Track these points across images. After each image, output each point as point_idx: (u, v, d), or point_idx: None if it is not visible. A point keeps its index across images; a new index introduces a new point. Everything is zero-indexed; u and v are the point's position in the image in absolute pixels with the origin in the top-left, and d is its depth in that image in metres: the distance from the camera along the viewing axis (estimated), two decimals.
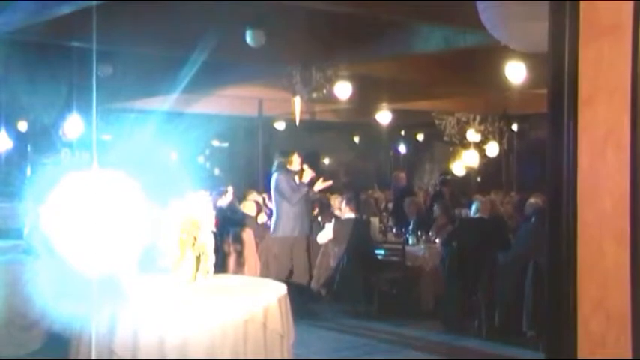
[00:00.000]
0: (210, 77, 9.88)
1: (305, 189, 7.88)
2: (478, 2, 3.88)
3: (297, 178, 7.94)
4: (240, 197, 9.77)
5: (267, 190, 12.32)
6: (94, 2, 5.15)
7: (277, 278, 7.57)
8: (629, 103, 1.73)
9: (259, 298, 3.94)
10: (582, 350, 1.78)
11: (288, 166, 7.94)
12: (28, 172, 12.12)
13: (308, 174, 7.96)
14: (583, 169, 1.80)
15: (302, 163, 8.03)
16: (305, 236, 7.95)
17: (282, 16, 7.11)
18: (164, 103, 10.86)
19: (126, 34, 7.48)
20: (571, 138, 1.81)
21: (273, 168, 8.02)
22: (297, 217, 7.85)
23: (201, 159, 17.73)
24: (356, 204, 8.58)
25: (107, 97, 10.12)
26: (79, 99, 10.39)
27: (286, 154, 8.07)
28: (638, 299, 1.70)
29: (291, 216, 7.84)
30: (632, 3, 1.73)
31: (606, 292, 1.75)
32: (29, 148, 13.07)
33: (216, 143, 18.33)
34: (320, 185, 8.10)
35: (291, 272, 7.84)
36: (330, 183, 8.34)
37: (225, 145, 18.29)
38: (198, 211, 4.28)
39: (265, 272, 8.06)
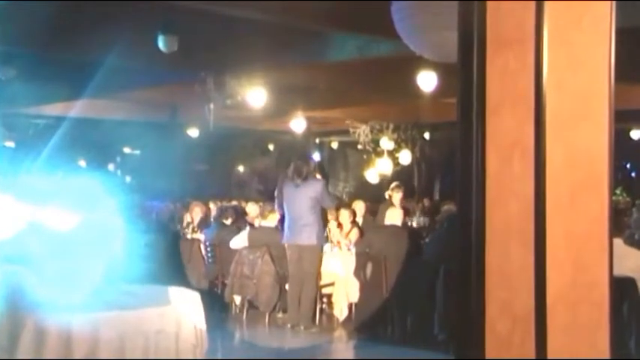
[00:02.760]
0: (122, 82, 9.66)
1: None
2: (394, 13, 3.97)
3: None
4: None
5: (183, 197, 12.17)
6: None
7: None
8: (533, 112, 1.80)
9: (172, 307, 3.87)
10: (490, 351, 1.83)
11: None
12: None
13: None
14: (491, 175, 1.85)
15: None
16: None
17: (195, 21, 7.03)
18: (73, 108, 10.54)
19: (30, 36, 7.21)
20: (480, 145, 1.87)
21: (303, 175, 7.70)
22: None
23: (111, 166, 17.30)
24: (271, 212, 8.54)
25: (10, 101, 9.73)
26: None
27: (305, 159, 7.99)
28: (541, 301, 1.77)
29: (322, 223, 7.81)
30: (533, 18, 1.80)
31: (512, 294, 1.81)
32: None
33: (127, 150, 17.92)
34: None
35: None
36: None
37: (137, 151, 17.90)
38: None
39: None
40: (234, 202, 11.94)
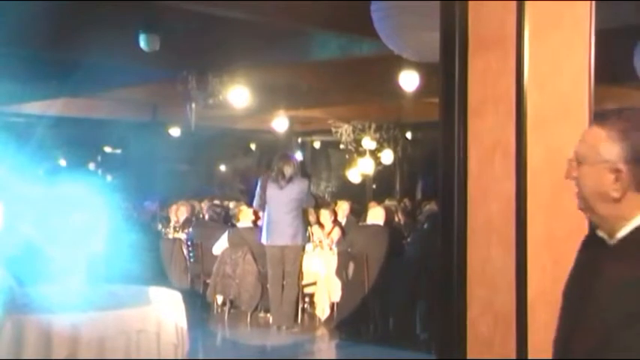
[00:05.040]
0: (103, 81, 9.59)
1: None
2: (373, 13, 3.97)
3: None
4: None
5: (164, 197, 12.10)
6: None
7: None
8: (515, 113, 1.81)
9: (153, 307, 3.85)
10: (471, 351, 1.84)
11: None
12: None
13: None
14: (473, 175, 1.86)
15: None
16: None
17: (177, 20, 7.00)
18: (53, 107, 10.45)
19: (9, 33, 7.12)
20: (461, 145, 1.87)
21: (287, 177, 7.62)
22: None
23: (92, 165, 17.17)
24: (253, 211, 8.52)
25: None
26: None
27: (289, 160, 7.87)
28: (522, 300, 1.78)
29: (305, 222, 7.82)
30: (514, 19, 1.81)
31: (494, 294, 1.82)
32: None
33: (108, 149, 17.80)
34: None
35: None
36: None
37: (118, 151, 17.79)
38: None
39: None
40: (217, 201, 11.90)
